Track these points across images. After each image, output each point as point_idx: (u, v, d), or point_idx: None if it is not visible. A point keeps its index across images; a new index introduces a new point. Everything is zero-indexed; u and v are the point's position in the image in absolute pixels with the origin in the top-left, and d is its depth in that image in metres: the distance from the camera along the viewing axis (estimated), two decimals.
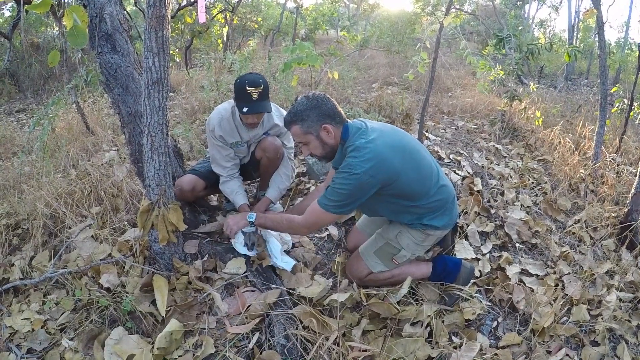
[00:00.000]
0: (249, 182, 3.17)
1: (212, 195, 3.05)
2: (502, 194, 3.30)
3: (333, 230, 2.68)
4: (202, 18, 2.45)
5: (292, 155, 2.82)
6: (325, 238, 2.64)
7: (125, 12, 2.36)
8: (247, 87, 2.31)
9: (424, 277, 2.25)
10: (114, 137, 4.18)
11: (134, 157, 2.42)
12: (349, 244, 2.52)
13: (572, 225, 3.02)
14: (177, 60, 8.22)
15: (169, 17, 1.92)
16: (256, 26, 11.50)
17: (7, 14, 8.82)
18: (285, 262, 2.31)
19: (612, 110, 4.97)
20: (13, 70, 8.22)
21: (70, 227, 2.64)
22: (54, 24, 6.90)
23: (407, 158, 1.96)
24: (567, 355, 1.99)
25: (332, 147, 2.06)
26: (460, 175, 3.40)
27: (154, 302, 2.06)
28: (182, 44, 8.38)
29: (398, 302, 2.08)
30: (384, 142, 1.92)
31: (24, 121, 5.99)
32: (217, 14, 8.36)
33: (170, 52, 1.99)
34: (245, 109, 2.34)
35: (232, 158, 2.62)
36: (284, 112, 2.65)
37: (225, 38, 8.29)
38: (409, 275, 2.18)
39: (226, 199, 3.00)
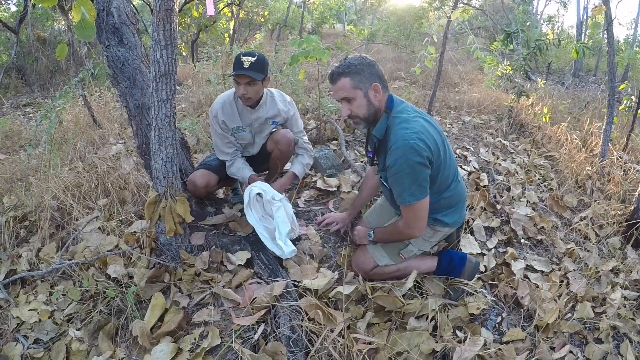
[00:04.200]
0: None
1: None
2: (509, 189, 3.30)
3: None
4: (210, 11, 2.46)
5: (305, 138, 2.81)
6: (332, 231, 2.64)
7: (132, 5, 2.37)
8: (242, 56, 2.36)
9: (429, 271, 2.26)
10: (121, 129, 4.19)
11: (141, 149, 2.43)
12: (356, 238, 2.51)
13: (577, 222, 3.01)
14: (184, 54, 8.23)
15: (177, 10, 1.93)
16: (263, 20, 11.48)
17: (13, 8, 8.84)
18: (280, 247, 2.26)
19: (620, 108, 4.93)
20: (20, 65, 8.25)
21: (77, 219, 2.66)
22: (61, 18, 6.93)
23: (440, 142, 1.96)
24: (571, 352, 1.99)
25: (376, 110, 1.98)
26: (466, 171, 3.40)
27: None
28: (188, 38, 8.39)
29: (403, 296, 2.08)
30: (425, 120, 1.94)
31: (31, 115, 6.02)
32: (223, 8, 8.35)
33: (177, 45, 1.99)
34: (233, 72, 2.36)
35: (234, 144, 2.63)
36: (289, 98, 2.66)
37: (231, 32, 8.29)
38: (414, 269, 2.18)
39: (232, 191, 3.02)
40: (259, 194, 2.36)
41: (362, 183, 2.60)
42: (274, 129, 2.67)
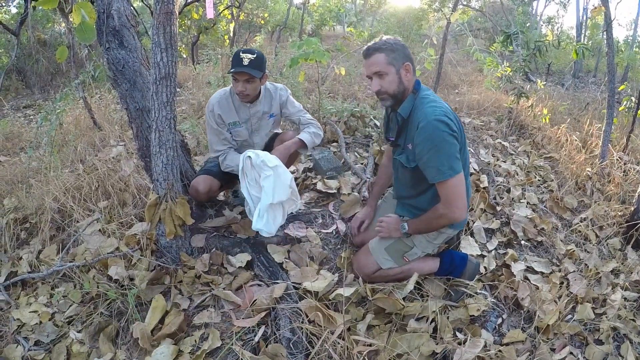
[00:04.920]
0: None
1: None
2: (509, 191, 3.30)
3: (340, 225, 2.69)
4: (210, 13, 2.47)
5: (308, 115, 2.76)
6: (332, 233, 2.65)
7: (132, 8, 2.38)
8: (241, 53, 2.35)
9: (431, 272, 2.25)
10: (122, 132, 4.20)
11: (141, 151, 2.43)
12: (356, 239, 2.51)
13: (578, 223, 3.01)
14: (184, 56, 8.24)
15: (177, 12, 1.93)
16: (263, 22, 11.49)
17: (14, 10, 8.86)
18: (267, 223, 2.21)
19: (620, 109, 4.93)
20: (20, 67, 8.26)
21: (77, 221, 2.66)
22: (61, 20, 6.94)
23: (461, 130, 1.99)
24: (571, 353, 1.99)
25: (405, 89, 2.00)
26: None
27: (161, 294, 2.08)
28: (188, 40, 8.39)
29: (403, 298, 2.08)
30: (449, 107, 1.97)
31: (32, 117, 6.03)
32: (223, 10, 8.36)
33: (177, 47, 2.00)
34: (232, 69, 2.36)
35: (229, 141, 2.60)
36: (280, 85, 2.66)
37: (231, 34, 8.30)
38: (417, 271, 2.17)
39: (233, 193, 3.02)
40: (249, 156, 2.29)
41: (379, 170, 2.57)
42: (273, 124, 2.67)
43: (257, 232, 2.31)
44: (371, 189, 2.88)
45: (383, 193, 2.58)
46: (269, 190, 2.21)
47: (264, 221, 2.21)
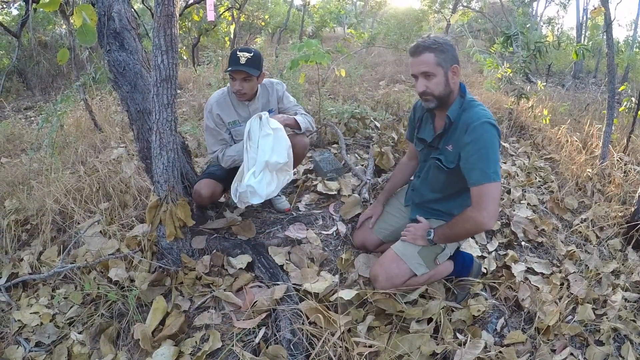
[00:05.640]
0: None
1: None
2: (509, 192, 3.30)
3: (341, 227, 2.69)
4: (210, 16, 2.48)
5: (303, 109, 2.79)
6: (333, 235, 2.65)
7: (133, 9, 2.38)
8: (238, 52, 2.36)
9: (448, 274, 2.19)
10: (122, 134, 4.21)
11: (142, 153, 2.44)
12: (356, 241, 2.50)
13: (578, 224, 3.01)
14: (185, 57, 8.26)
15: (177, 15, 1.94)
16: (263, 24, 11.52)
17: (15, 12, 8.87)
18: (259, 183, 2.24)
19: (620, 109, 4.94)
20: (21, 68, 8.27)
21: (78, 223, 2.67)
22: (62, 22, 6.95)
23: None
24: (572, 354, 1.99)
25: (450, 92, 1.93)
26: None
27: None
28: (189, 42, 8.41)
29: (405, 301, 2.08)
30: None
31: (32, 118, 6.04)
32: (224, 12, 8.38)
33: (178, 49, 2.00)
34: (229, 68, 2.37)
35: (226, 141, 2.59)
36: (275, 80, 2.67)
37: (232, 35, 8.31)
38: (440, 275, 2.13)
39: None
40: (259, 116, 2.33)
41: (397, 168, 2.52)
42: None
43: (240, 203, 2.36)
44: (371, 191, 2.89)
45: (395, 192, 2.53)
46: (267, 148, 2.25)
47: (257, 180, 2.22)
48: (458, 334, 1.99)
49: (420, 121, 2.20)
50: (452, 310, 2.11)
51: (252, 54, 2.36)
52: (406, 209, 2.38)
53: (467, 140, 1.85)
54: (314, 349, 1.79)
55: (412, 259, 2.03)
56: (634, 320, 2.21)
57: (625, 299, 2.33)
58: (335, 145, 3.89)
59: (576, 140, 4.19)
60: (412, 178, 2.43)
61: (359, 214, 2.77)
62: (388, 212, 2.45)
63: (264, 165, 2.26)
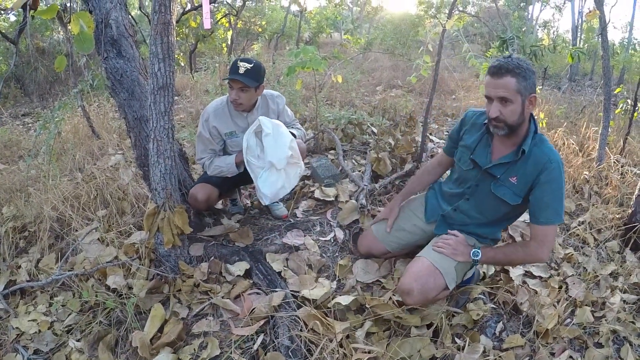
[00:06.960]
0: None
1: None
2: None
3: (338, 233, 2.69)
4: (207, 24, 2.47)
5: (299, 125, 2.85)
6: (331, 241, 2.65)
7: (130, 17, 2.39)
8: (239, 62, 2.38)
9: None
10: (120, 140, 4.21)
11: (139, 160, 2.44)
12: (361, 248, 2.44)
13: (576, 227, 3.02)
14: (182, 64, 8.27)
15: (174, 23, 1.95)
16: (260, 30, 11.54)
17: (12, 18, 8.89)
18: (265, 182, 2.32)
19: (616, 112, 4.95)
20: (19, 75, 8.28)
21: (76, 230, 2.67)
22: (60, 29, 6.97)
23: None
24: (571, 357, 1.99)
25: (523, 122, 1.82)
26: None
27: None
28: (186, 48, 8.43)
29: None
30: None
31: (30, 125, 6.04)
32: (221, 18, 8.41)
33: (175, 56, 2.01)
34: (228, 77, 2.38)
35: (216, 152, 2.59)
36: (276, 93, 2.68)
37: (229, 42, 8.34)
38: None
39: (231, 202, 3.01)
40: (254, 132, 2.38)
41: (418, 175, 2.42)
42: None
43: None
44: (366, 195, 2.89)
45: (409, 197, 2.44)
46: (270, 148, 2.31)
47: (261, 180, 2.31)
48: (456, 339, 1.99)
49: (476, 142, 2.03)
50: (453, 315, 2.11)
51: (252, 65, 2.37)
52: (424, 224, 2.28)
53: (544, 180, 1.81)
54: (312, 355, 1.79)
55: (449, 274, 1.94)
56: (632, 322, 2.21)
57: (624, 301, 2.33)
58: (332, 152, 3.90)
59: (573, 143, 4.20)
60: (448, 190, 2.22)
61: (357, 220, 2.77)
62: (400, 225, 2.33)
63: (269, 165, 2.31)
